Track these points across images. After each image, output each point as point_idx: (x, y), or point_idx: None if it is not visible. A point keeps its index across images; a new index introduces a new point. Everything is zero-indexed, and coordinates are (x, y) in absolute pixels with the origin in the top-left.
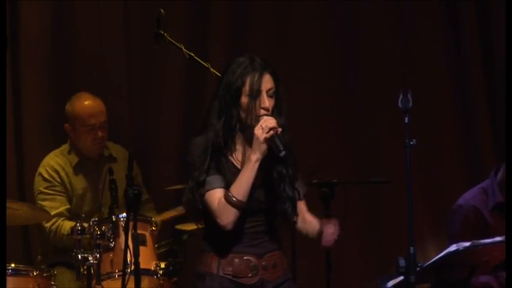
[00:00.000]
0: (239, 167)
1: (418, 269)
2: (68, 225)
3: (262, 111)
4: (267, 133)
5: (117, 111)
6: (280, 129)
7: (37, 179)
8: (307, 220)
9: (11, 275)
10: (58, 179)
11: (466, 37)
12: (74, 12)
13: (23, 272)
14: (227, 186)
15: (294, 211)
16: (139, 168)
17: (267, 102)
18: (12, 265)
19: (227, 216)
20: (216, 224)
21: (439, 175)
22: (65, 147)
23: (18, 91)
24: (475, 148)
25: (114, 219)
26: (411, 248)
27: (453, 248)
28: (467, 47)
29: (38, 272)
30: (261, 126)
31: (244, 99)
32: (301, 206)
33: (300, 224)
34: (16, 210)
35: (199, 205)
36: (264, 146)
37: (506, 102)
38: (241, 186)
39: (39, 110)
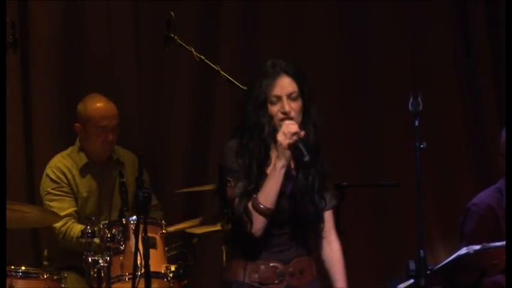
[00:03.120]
0: None
1: (428, 272)
2: (78, 228)
3: (282, 116)
4: (289, 139)
5: (126, 113)
6: (303, 133)
7: (44, 180)
8: (329, 251)
9: (21, 277)
10: (65, 181)
11: (475, 38)
12: (83, 14)
13: (33, 275)
14: None
15: (318, 219)
16: (149, 171)
17: (286, 106)
18: (23, 268)
19: (256, 224)
20: (244, 232)
21: (449, 178)
22: (72, 149)
23: (28, 93)
24: (485, 150)
25: (124, 222)
26: (421, 251)
27: (463, 251)
28: (477, 48)
29: (48, 275)
30: (283, 132)
31: (269, 107)
32: (326, 217)
33: (323, 244)
34: (26, 213)
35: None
36: (288, 153)
37: (506, 103)
38: (268, 194)
39: (49, 112)
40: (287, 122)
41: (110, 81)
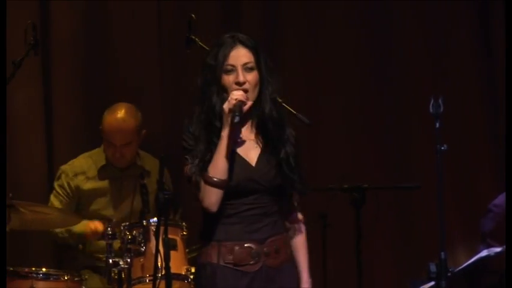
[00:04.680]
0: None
1: (449, 274)
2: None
3: (236, 86)
4: (231, 103)
5: (149, 114)
6: (250, 103)
7: (57, 173)
8: (294, 232)
9: (42, 279)
10: (68, 184)
11: (496, 39)
12: (106, 14)
13: (54, 277)
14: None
15: (293, 187)
16: (171, 173)
17: (240, 76)
18: (43, 269)
19: (208, 197)
20: (203, 209)
21: (471, 180)
22: (98, 150)
23: (49, 94)
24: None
25: (145, 223)
26: (442, 253)
27: (484, 253)
28: (498, 49)
29: (69, 277)
30: (228, 100)
31: (221, 77)
32: (294, 196)
33: (288, 223)
34: (47, 214)
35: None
36: (230, 119)
37: (506, 106)
38: (217, 164)
39: (70, 113)
40: (234, 91)
41: (132, 82)
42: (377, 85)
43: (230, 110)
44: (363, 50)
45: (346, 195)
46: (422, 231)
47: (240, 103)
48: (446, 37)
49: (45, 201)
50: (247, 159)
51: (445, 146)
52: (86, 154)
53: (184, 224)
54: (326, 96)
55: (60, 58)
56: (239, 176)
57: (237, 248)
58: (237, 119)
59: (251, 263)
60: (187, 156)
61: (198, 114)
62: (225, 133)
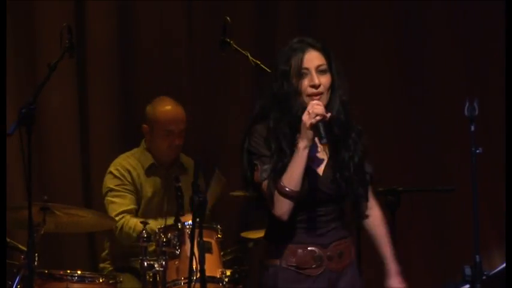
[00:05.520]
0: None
1: (484, 277)
2: (133, 221)
3: (311, 90)
4: (312, 119)
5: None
6: (329, 115)
7: (107, 177)
8: (372, 219)
9: (77, 281)
10: (129, 179)
11: None
12: (137, 16)
13: (89, 279)
14: None
15: (366, 196)
16: (205, 176)
17: (315, 79)
18: (78, 272)
19: (280, 207)
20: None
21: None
22: (136, 150)
23: (85, 94)
24: None
25: (180, 226)
26: (477, 256)
27: None
28: None
29: (103, 279)
30: (308, 111)
31: (296, 82)
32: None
33: (367, 216)
34: (82, 217)
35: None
36: (310, 133)
37: (506, 106)
38: (292, 176)
39: (105, 114)
40: (313, 102)
41: (165, 82)
42: (411, 88)
43: (311, 125)
44: (395, 53)
45: (381, 198)
46: (457, 234)
47: (323, 121)
48: (481, 37)
49: (80, 203)
50: (315, 168)
51: (480, 149)
52: (128, 153)
53: (219, 226)
54: (360, 99)
55: (95, 59)
56: (307, 186)
57: (300, 250)
58: (324, 141)
59: (313, 266)
60: (256, 162)
61: (275, 125)
62: (302, 145)
